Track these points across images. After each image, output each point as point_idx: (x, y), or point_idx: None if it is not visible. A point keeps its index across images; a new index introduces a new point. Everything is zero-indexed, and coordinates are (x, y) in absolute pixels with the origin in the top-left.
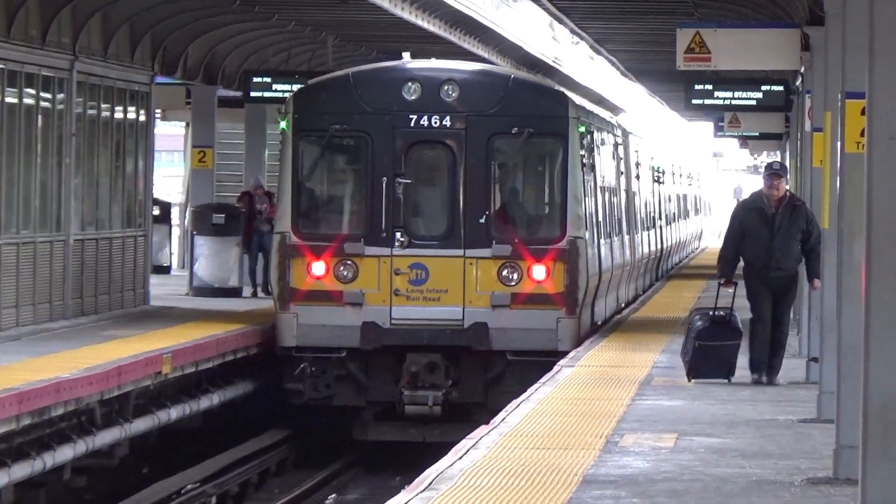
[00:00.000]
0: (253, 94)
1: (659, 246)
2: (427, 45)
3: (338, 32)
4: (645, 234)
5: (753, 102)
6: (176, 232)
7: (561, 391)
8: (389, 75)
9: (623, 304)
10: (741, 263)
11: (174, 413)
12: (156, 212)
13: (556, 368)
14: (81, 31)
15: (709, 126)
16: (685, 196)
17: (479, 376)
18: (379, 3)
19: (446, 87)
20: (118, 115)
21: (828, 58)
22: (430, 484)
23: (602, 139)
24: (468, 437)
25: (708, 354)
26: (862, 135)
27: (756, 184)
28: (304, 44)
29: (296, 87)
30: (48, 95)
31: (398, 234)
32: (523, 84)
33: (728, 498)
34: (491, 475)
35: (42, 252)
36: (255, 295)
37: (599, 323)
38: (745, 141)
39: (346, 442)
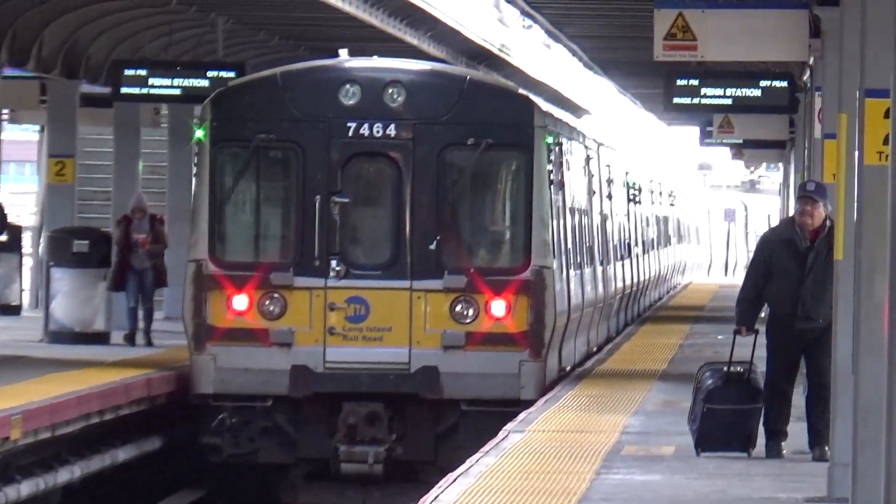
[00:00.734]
0: (124, 89)
1: (634, 280)
2: (340, 28)
3: (230, 13)
4: (619, 265)
5: (750, 102)
6: (28, 262)
7: (508, 462)
8: (324, 76)
9: (595, 349)
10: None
11: (25, 489)
12: (1, 237)
13: (501, 434)
14: None
15: (694, 131)
16: (665, 219)
17: (428, 429)
18: None
19: (391, 91)
20: None
21: (843, 46)
22: None
23: (572, 152)
24: None
25: (721, 421)
26: (886, 143)
27: (754, 203)
28: (189, 27)
29: (177, 82)
30: None
31: (334, 263)
32: (481, 87)
33: None
34: None
35: None
36: (130, 341)
37: (568, 369)
38: (739, 150)
39: None
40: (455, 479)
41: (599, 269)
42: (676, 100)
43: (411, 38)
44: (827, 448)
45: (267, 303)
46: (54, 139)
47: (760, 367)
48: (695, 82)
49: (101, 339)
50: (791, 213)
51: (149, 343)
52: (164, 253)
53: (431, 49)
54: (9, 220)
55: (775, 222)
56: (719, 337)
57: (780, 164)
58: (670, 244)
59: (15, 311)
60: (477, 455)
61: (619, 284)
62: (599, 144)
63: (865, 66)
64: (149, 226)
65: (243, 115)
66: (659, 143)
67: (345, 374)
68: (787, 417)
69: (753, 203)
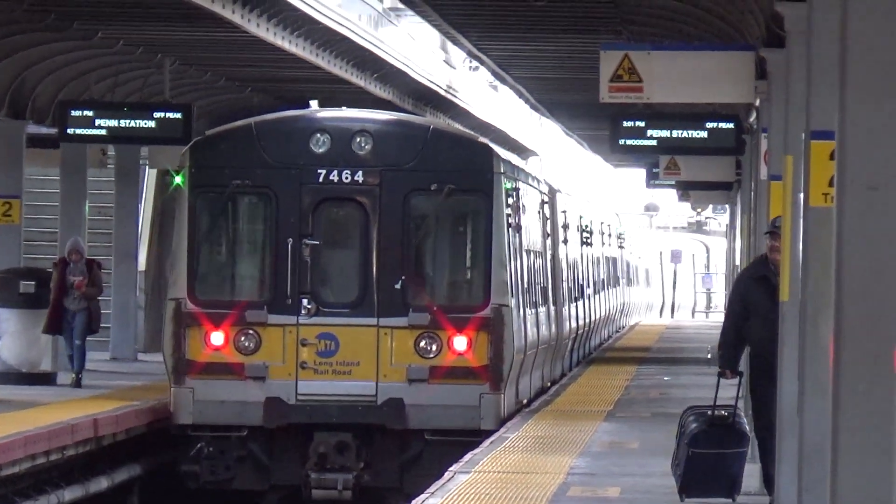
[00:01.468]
0: (71, 130)
1: (586, 320)
2: (287, 69)
3: (176, 55)
4: (572, 305)
5: (696, 143)
6: None
7: None
8: (296, 126)
9: (549, 384)
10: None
11: None
12: None
13: (447, 475)
14: None
15: (640, 173)
16: (614, 261)
17: (393, 458)
18: (229, 17)
19: (358, 139)
20: None
21: (789, 88)
22: None
23: (528, 196)
24: None
25: (705, 466)
26: (831, 185)
27: (697, 245)
28: (136, 68)
29: (124, 123)
30: None
31: (305, 301)
32: (443, 135)
33: None
34: None
35: None
36: (77, 384)
37: (525, 401)
38: (685, 192)
39: None
40: None
41: (553, 308)
42: (622, 141)
43: (358, 80)
44: None
45: (242, 339)
46: (1, 180)
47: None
48: (641, 124)
49: (47, 379)
50: (740, 253)
51: (77, 384)
52: (99, 298)
53: (377, 90)
54: None
55: (718, 263)
56: (665, 378)
57: (727, 206)
58: (619, 285)
59: None
60: (423, 496)
61: (573, 324)
62: (555, 190)
63: (811, 108)
64: (86, 269)
65: (220, 163)
66: (607, 184)
67: (316, 405)
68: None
69: (697, 245)
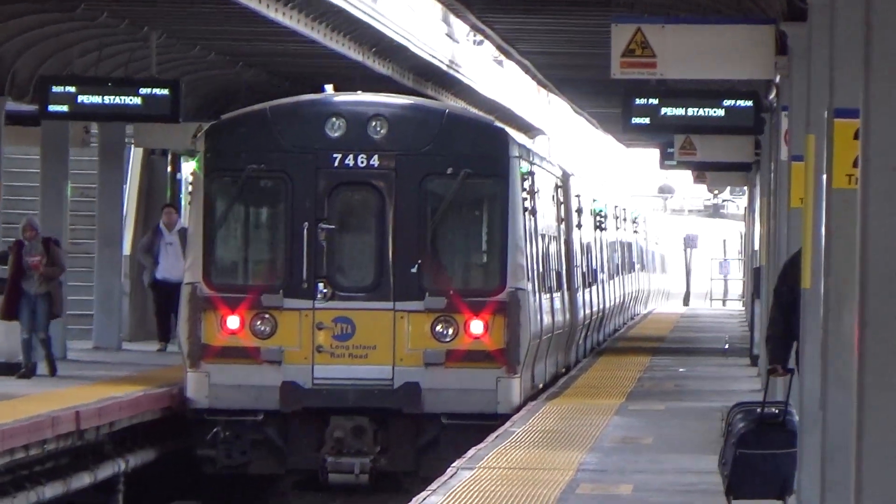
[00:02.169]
0: (52, 107)
1: (600, 307)
2: (279, 42)
3: (164, 28)
4: (586, 291)
5: (713, 122)
6: None
7: (455, 501)
8: (311, 110)
9: (563, 371)
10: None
11: None
12: None
13: (450, 471)
14: None
15: (654, 154)
16: (628, 245)
17: (410, 442)
18: None
19: (374, 123)
20: None
21: (811, 64)
22: None
23: (543, 180)
24: None
25: (754, 467)
26: (855, 165)
27: (716, 229)
28: (120, 42)
29: (108, 99)
30: None
31: (321, 286)
32: (460, 120)
33: None
34: None
35: None
36: (25, 376)
37: (540, 386)
38: (701, 173)
39: None
40: None
41: (567, 295)
42: (635, 120)
43: (355, 55)
44: None
45: (258, 323)
46: None
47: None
48: (654, 101)
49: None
50: (759, 238)
51: (52, 372)
52: (61, 279)
53: (376, 66)
54: None
55: (734, 247)
56: (680, 370)
57: (746, 188)
58: (633, 271)
59: None
60: (423, 494)
61: (587, 310)
62: (569, 174)
63: (834, 85)
64: (42, 248)
65: (235, 147)
66: (618, 165)
67: (332, 389)
68: None
69: (716, 229)
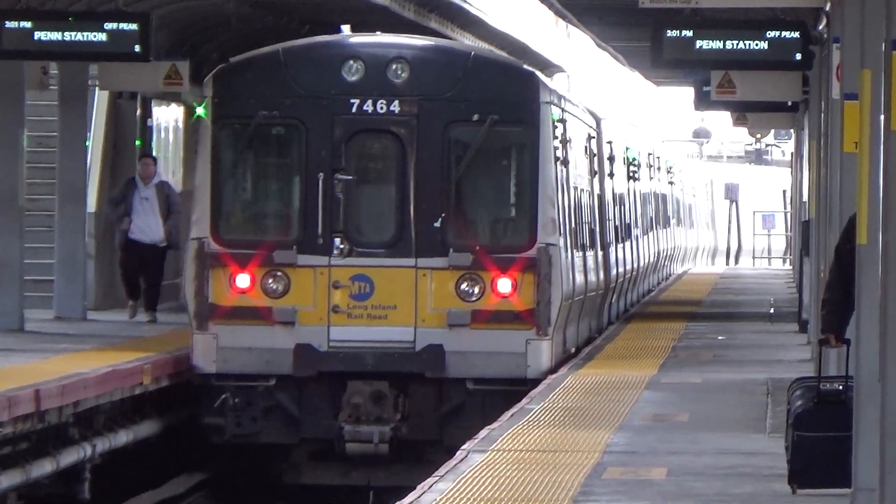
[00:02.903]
0: (5, 45)
1: (634, 265)
2: None
3: None
4: (619, 248)
5: (755, 57)
6: None
7: (466, 489)
8: (327, 52)
9: (596, 335)
10: None
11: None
12: None
13: (460, 454)
14: None
15: (688, 93)
16: (663, 198)
17: (433, 409)
18: None
19: (394, 67)
20: None
21: None
22: None
23: (575, 128)
24: None
25: (816, 451)
26: None
27: (762, 178)
28: None
29: (69, 36)
30: None
31: (337, 241)
32: (486, 62)
33: None
34: None
35: None
36: None
37: (573, 351)
38: (741, 115)
39: (276, 487)
40: None
41: (601, 253)
42: (667, 55)
43: None
44: None
45: (270, 281)
46: None
47: None
48: (688, 34)
49: None
50: (809, 187)
51: None
52: None
53: None
54: None
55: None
56: (719, 338)
57: (792, 131)
58: (668, 226)
59: None
60: (430, 480)
61: (620, 269)
62: (600, 121)
63: (892, 13)
64: None
65: (245, 92)
66: (648, 107)
67: (349, 352)
68: None
69: (762, 177)
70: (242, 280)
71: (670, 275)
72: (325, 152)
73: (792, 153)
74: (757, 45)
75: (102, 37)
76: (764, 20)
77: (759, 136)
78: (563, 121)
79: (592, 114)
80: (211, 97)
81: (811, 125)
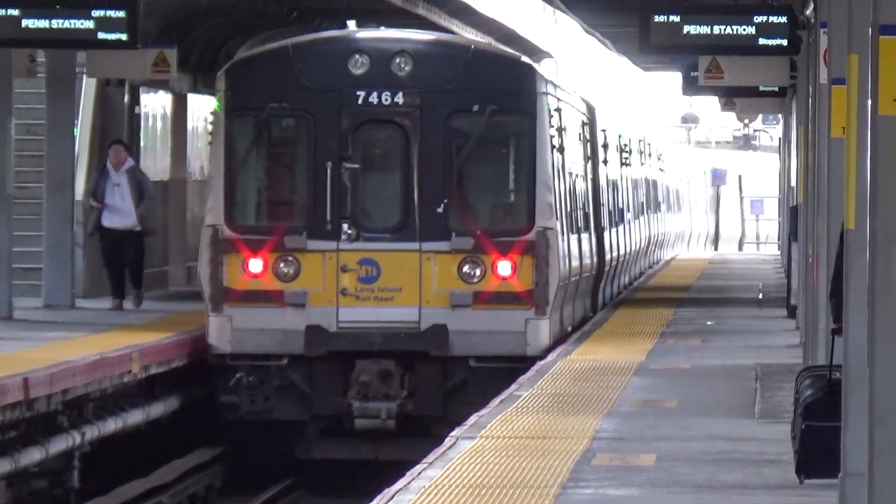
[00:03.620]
0: None
1: (627, 249)
2: None
3: None
4: (613, 232)
5: (742, 42)
6: None
7: (455, 475)
8: (334, 47)
9: (590, 315)
10: None
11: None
12: None
13: (448, 441)
14: None
15: (676, 78)
16: (654, 183)
17: (437, 385)
18: None
19: (398, 60)
20: None
21: None
22: None
23: (570, 116)
24: None
25: (824, 441)
26: None
27: (749, 163)
28: None
29: (57, 24)
30: None
31: (345, 226)
32: (485, 55)
33: None
34: None
35: None
36: None
37: (569, 329)
38: (729, 100)
39: (288, 461)
40: (393, 496)
41: (594, 237)
42: (655, 40)
43: None
44: None
45: (281, 265)
46: None
47: None
48: (676, 19)
49: None
50: (797, 172)
51: None
52: None
53: None
54: None
55: (773, 184)
56: (708, 323)
57: (780, 115)
58: (658, 212)
59: None
60: (419, 467)
61: (614, 252)
62: (594, 109)
63: None
64: None
65: (256, 86)
66: (636, 92)
67: (357, 333)
68: None
69: (749, 162)
70: (255, 265)
71: (659, 260)
72: (332, 142)
73: (780, 138)
74: (744, 29)
75: (90, 24)
76: (751, 5)
77: (746, 121)
78: (559, 110)
79: (586, 102)
80: (224, 91)
81: (799, 110)
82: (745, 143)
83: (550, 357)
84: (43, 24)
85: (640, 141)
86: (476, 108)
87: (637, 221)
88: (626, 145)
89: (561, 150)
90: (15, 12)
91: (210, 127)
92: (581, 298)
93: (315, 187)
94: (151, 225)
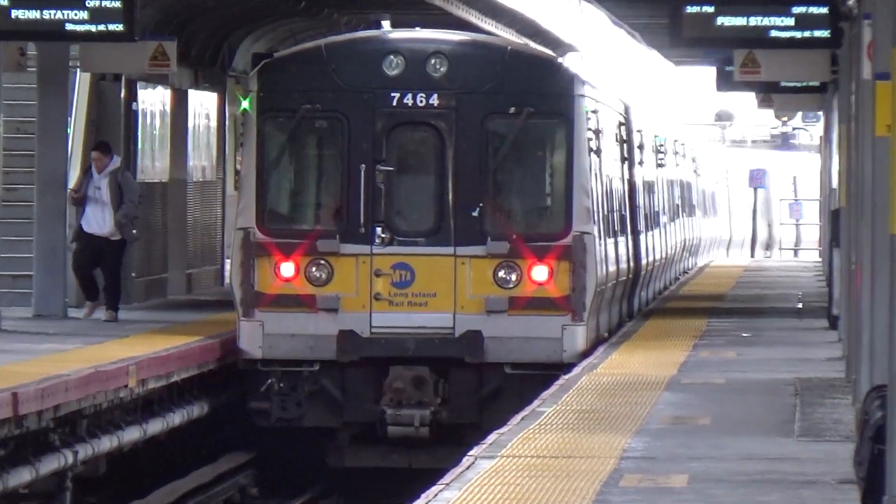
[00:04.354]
0: None
1: (663, 253)
2: None
3: None
4: (649, 235)
5: (781, 34)
6: None
7: (474, 497)
8: (368, 47)
9: (627, 320)
10: None
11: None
12: None
13: (466, 461)
14: None
15: (710, 73)
16: (688, 186)
17: (472, 393)
18: None
19: (433, 61)
20: None
21: None
22: None
23: (607, 118)
24: None
25: None
26: None
27: (787, 163)
28: None
29: (48, 14)
30: None
31: (379, 230)
32: (522, 56)
33: None
34: None
35: None
36: None
37: (606, 335)
38: (767, 96)
39: (320, 469)
40: None
41: (630, 240)
42: (686, 32)
43: None
44: None
45: (314, 269)
46: None
47: None
48: (709, 9)
49: None
50: (839, 173)
51: None
52: None
53: None
54: None
55: (805, 186)
56: (744, 335)
57: (821, 113)
58: (693, 215)
59: None
60: (435, 488)
61: (650, 257)
62: (629, 109)
63: None
64: None
65: (289, 86)
66: (667, 88)
67: (391, 338)
68: None
69: (788, 163)
70: (287, 269)
71: (692, 267)
72: (366, 144)
73: (821, 137)
74: (782, 21)
75: (84, 14)
76: None
77: (785, 118)
78: (595, 111)
79: (622, 100)
80: (256, 91)
81: (841, 107)
82: (784, 142)
83: (576, 370)
84: (33, 14)
85: (675, 141)
86: (512, 110)
87: (673, 224)
88: (661, 145)
89: (598, 152)
90: (4, 2)
91: (241, 128)
92: (617, 303)
93: (348, 190)
94: (131, 232)
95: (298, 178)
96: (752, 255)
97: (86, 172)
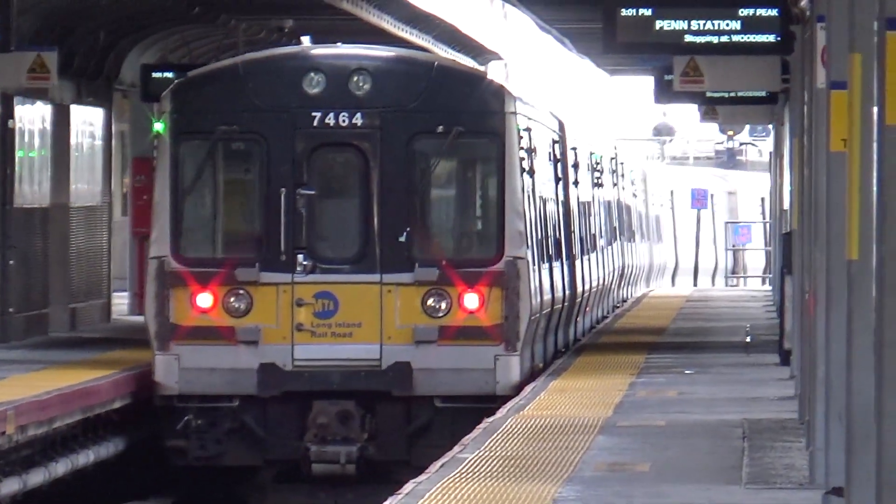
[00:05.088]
0: None
1: (600, 279)
2: None
3: None
4: (585, 260)
5: (727, 38)
6: None
7: None
8: (287, 65)
9: (563, 350)
10: None
11: None
12: None
13: None
14: None
15: (647, 83)
16: (628, 207)
17: (400, 428)
18: None
19: (356, 78)
20: None
21: None
22: None
23: (540, 136)
24: None
25: None
26: None
27: (737, 182)
28: None
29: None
30: None
31: (300, 258)
32: (450, 72)
33: None
34: None
35: None
36: None
37: (541, 366)
38: (711, 108)
39: None
40: None
41: (566, 265)
42: (622, 38)
43: None
44: None
45: (232, 300)
46: None
47: None
48: (647, 12)
49: None
50: (790, 192)
51: None
52: None
53: None
54: None
55: (752, 207)
56: (686, 371)
57: (770, 126)
58: (632, 240)
59: None
60: None
61: (586, 284)
62: (564, 127)
63: None
64: None
65: (204, 107)
66: (600, 100)
67: (314, 371)
68: None
69: (737, 181)
70: (204, 299)
71: (627, 298)
72: (286, 167)
73: (770, 153)
74: (728, 24)
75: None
76: None
77: (731, 133)
78: (528, 129)
79: (556, 116)
80: (169, 112)
81: (792, 120)
82: (729, 159)
83: (501, 413)
84: None
85: (611, 159)
86: (440, 129)
87: (609, 249)
88: (597, 163)
89: (531, 172)
90: None
91: (154, 151)
92: (553, 333)
93: (268, 215)
94: None
95: (215, 203)
96: (695, 285)
97: None
